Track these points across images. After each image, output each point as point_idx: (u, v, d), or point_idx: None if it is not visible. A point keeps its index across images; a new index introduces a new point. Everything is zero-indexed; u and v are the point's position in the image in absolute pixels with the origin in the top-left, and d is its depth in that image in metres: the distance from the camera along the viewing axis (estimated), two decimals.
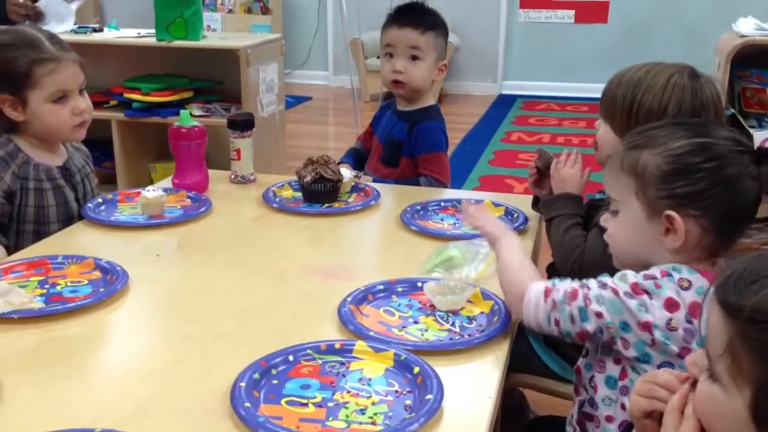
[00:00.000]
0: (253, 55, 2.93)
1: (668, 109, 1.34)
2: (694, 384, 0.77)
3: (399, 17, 2.00)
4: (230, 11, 6.28)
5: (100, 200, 1.69)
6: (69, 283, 1.30)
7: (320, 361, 1.06)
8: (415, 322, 1.19)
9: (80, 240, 1.54)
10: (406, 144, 2.01)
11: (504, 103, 6.04)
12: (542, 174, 1.60)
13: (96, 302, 1.23)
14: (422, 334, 1.15)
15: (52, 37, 1.63)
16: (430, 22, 1.99)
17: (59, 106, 1.60)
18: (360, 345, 1.08)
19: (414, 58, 1.97)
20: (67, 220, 1.62)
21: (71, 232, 1.58)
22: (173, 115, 2.93)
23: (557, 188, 1.53)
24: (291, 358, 1.06)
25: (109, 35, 3.11)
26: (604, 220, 1.16)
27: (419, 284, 1.28)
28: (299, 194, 1.77)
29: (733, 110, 2.50)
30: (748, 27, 2.51)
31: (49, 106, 1.59)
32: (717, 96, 1.36)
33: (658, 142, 1.07)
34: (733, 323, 0.67)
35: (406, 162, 2.02)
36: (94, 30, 3.16)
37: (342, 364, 1.06)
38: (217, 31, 6.04)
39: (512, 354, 1.17)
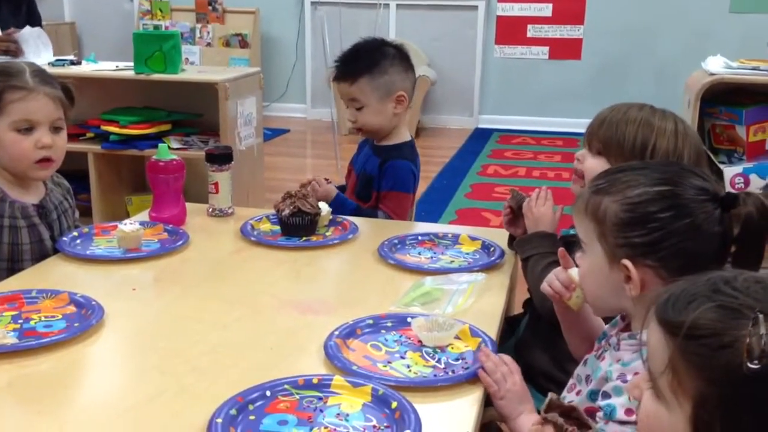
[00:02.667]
0: (232, 89, 2.94)
1: (684, 155, 1.38)
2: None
3: (335, 71, 2.03)
4: (209, 44, 6.31)
5: (75, 234, 1.68)
6: (43, 318, 1.29)
7: (298, 396, 1.06)
8: (402, 358, 1.19)
9: (55, 274, 1.52)
10: (376, 179, 2.02)
11: (480, 136, 6.11)
12: (516, 214, 1.62)
13: (70, 337, 1.21)
14: (407, 370, 1.15)
15: (37, 71, 1.62)
16: (358, 69, 1.97)
17: (22, 136, 1.58)
18: (338, 380, 1.08)
19: (357, 108, 1.99)
20: (41, 258, 1.60)
21: (46, 266, 1.56)
22: (151, 147, 2.93)
23: (531, 227, 1.54)
24: (268, 393, 1.05)
25: (86, 68, 3.11)
26: (579, 257, 1.16)
27: (409, 319, 1.28)
28: (277, 228, 1.77)
29: (703, 146, 2.56)
30: (716, 65, 2.58)
31: (12, 134, 1.57)
32: (698, 140, 1.43)
33: (618, 188, 1.05)
34: (674, 340, 0.69)
35: (376, 196, 2.03)
36: (72, 63, 3.15)
37: (320, 399, 1.06)
38: (196, 64, 6.07)
39: None
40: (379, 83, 1.98)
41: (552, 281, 1.23)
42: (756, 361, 0.63)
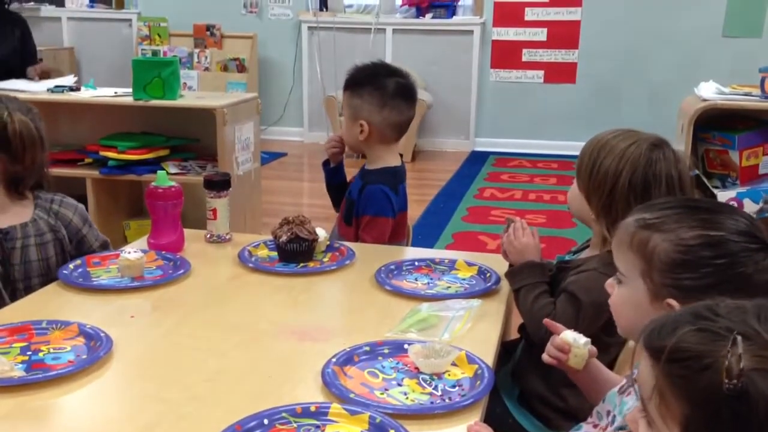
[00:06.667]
0: (230, 114, 2.96)
1: (622, 175, 1.39)
2: None
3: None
4: (206, 69, 6.35)
5: (77, 263, 1.68)
6: (52, 350, 1.29)
7: (295, 425, 1.06)
8: (399, 385, 1.20)
9: (56, 303, 1.52)
10: (356, 203, 2.05)
11: (477, 159, 6.14)
12: None
13: (76, 371, 1.21)
14: (405, 398, 1.16)
15: None
16: (348, 82, 2.08)
17: None
18: (335, 408, 1.09)
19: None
20: None
21: (48, 295, 1.57)
22: (149, 173, 2.95)
23: (516, 259, 1.56)
24: (266, 421, 1.06)
25: (85, 94, 3.13)
26: (609, 285, 1.15)
27: (405, 346, 1.29)
28: (275, 254, 1.78)
29: (697, 171, 2.59)
30: (709, 91, 2.62)
31: None
32: (675, 172, 1.39)
33: (670, 227, 1.04)
34: (658, 365, 0.71)
35: (356, 222, 2.04)
36: (71, 89, 3.18)
37: (317, 427, 1.06)
38: (194, 89, 6.10)
39: (487, 413, 1.19)
40: (352, 103, 2.06)
41: (548, 350, 1.24)
42: (735, 380, 0.65)
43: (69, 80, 3.40)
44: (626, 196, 1.39)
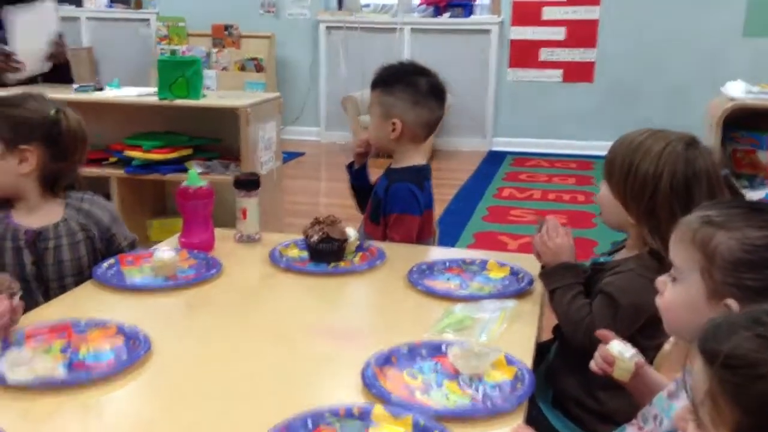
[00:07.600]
0: (253, 114, 2.97)
1: (663, 176, 1.38)
2: None
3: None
4: (224, 69, 6.37)
5: (111, 262, 1.69)
6: (91, 350, 1.29)
7: (338, 426, 1.06)
8: (439, 386, 1.19)
9: (91, 302, 1.53)
10: (382, 201, 2.04)
11: (494, 159, 6.12)
12: None
13: (117, 372, 1.21)
14: (446, 399, 1.15)
15: None
16: (378, 81, 2.06)
17: None
18: (378, 409, 1.08)
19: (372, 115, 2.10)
20: (21, 281, 1.58)
21: (83, 293, 1.57)
22: (173, 172, 2.96)
23: (551, 260, 1.54)
24: (309, 423, 1.06)
25: (109, 94, 3.15)
26: (661, 282, 1.13)
27: (443, 347, 1.28)
28: (305, 254, 1.78)
29: (727, 171, 2.56)
30: (737, 90, 2.59)
31: None
32: (712, 167, 1.39)
33: (736, 225, 1.01)
34: (711, 369, 0.70)
35: (383, 221, 2.04)
36: (95, 89, 3.19)
37: (360, 429, 1.06)
38: (212, 89, 6.11)
39: None
40: (383, 101, 2.04)
41: (595, 358, 1.22)
42: None
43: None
44: (669, 198, 1.37)
